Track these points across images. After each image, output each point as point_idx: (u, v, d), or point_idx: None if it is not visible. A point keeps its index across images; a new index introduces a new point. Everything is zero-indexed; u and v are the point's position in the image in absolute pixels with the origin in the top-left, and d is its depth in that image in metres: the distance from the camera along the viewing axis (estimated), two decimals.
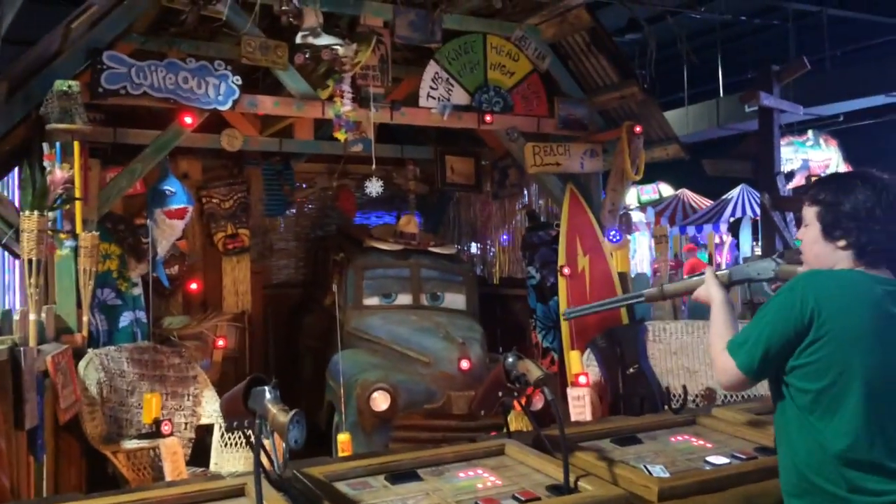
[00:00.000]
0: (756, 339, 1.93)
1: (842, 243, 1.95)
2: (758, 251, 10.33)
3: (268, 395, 1.97)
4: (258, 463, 1.95)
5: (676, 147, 5.97)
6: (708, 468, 2.40)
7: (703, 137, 14.32)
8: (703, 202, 14.11)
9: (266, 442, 2.01)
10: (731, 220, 12.46)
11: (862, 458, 1.84)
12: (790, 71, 6.03)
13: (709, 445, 2.64)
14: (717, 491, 2.22)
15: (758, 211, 10.98)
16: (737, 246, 12.01)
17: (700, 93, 14.35)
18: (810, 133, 12.20)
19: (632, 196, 14.11)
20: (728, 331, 2.06)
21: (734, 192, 13.09)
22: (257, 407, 1.98)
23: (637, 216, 11.82)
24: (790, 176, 11.55)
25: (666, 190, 15.21)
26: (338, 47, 4.69)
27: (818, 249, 2.01)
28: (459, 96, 5.38)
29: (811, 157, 11.86)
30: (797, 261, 2.16)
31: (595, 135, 5.84)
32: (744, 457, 2.47)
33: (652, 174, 13.30)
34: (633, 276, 5.99)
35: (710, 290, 2.23)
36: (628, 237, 6.02)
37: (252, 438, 2.00)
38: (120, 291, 4.89)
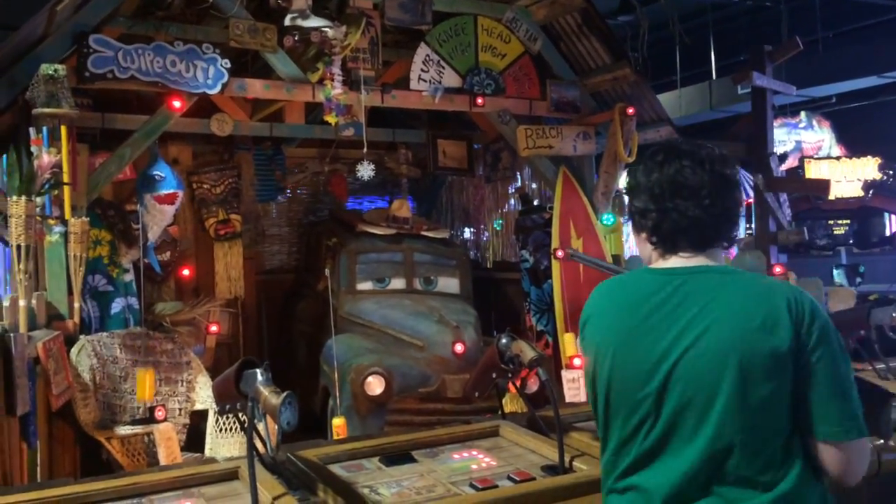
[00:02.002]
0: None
1: (644, 235, 1.75)
2: (751, 233, 10.33)
3: (259, 378, 1.95)
4: (251, 445, 1.94)
5: (669, 129, 5.96)
6: None
7: (696, 120, 14.28)
8: None
9: (259, 425, 2.00)
10: None
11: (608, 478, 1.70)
12: (783, 51, 6.00)
13: None
14: None
15: (751, 193, 10.98)
16: None
17: (692, 75, 14.31)
18: (803, 115, 12.19)
19: (624, 180, 14.09)
20: None
21: None
22: (249, 390, 1.97)
23: None
24: (783, 158, 11.55)
25: None
26: (327, 29, 4.64)
27: (639, 246, 1.83)
28: (451, 79, 5.34)
29: (804, 138, 11.85)
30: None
31: (587, 117, 5.82)
32: None
33: None
34: (626, 258, 5.98)
35: None
36: (621, 220, 6.01)
37: (244, 421, 1.99)
38: (111, 278, 4.86)
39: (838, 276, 9.20)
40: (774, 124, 6.47)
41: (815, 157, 12.70)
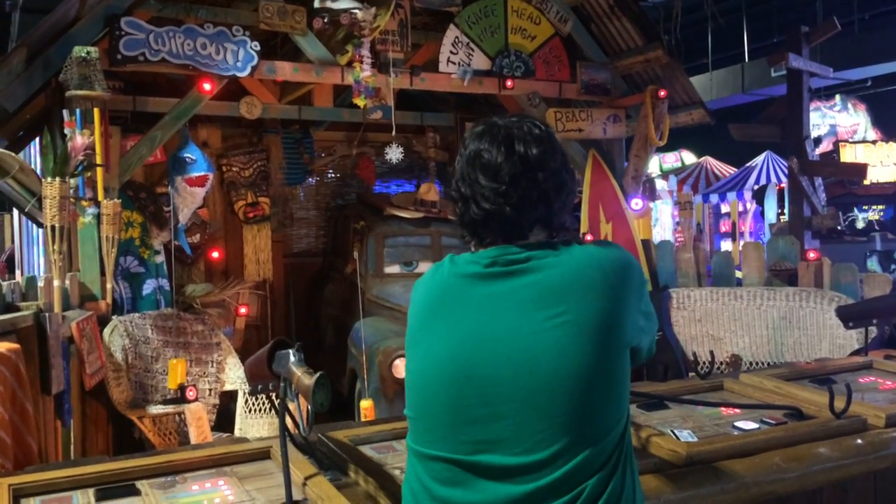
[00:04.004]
0: None
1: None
2: (784, 219, 10.19)
3: (292, 358, 1.95)
4: (283, 425, 1.94)
5: (701, 112, 5.86)
6: (736, 433, 2.37)
7: (727, 104, 14.09)
8: (727, 170, 13.91)
9: (291, 405, 2.00)
10: (756, 187, 12.29)
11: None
12: (820, 32, 5.86)
13: (737, 411, 2.60)
14: (746, 456, 2.18)
15: (783, 178, 10.81)
16: (761, 214, 11.86)
17: (724, 58, 14.09)
18: (838, 98, 11.95)
19: (654, 164, 13.93)
20: None
21: (759, 159, 12.90)
22: (282, 370, 1.97)
23: (659, 184, 11.69)
24: (817, 141, 11.35)
25: (688, 158, 15.00)
26: (356, 12, 4.62)
27: None
28: (480, 61, 5.30)
29: (839, 121, 11.63)
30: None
31: (618, 100, 5.75)
32: (773, 422, 2.42)
33: (674, 142, 13.10)
34: (656, 243, 5.92)
35: None
36: (650, 205, 5.94)
37: (277, 402, 1.99)
38: (143, 259, 4.91)
39: (872, 262, 9.05)
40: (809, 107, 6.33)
41: (851, 140, 12.47)
